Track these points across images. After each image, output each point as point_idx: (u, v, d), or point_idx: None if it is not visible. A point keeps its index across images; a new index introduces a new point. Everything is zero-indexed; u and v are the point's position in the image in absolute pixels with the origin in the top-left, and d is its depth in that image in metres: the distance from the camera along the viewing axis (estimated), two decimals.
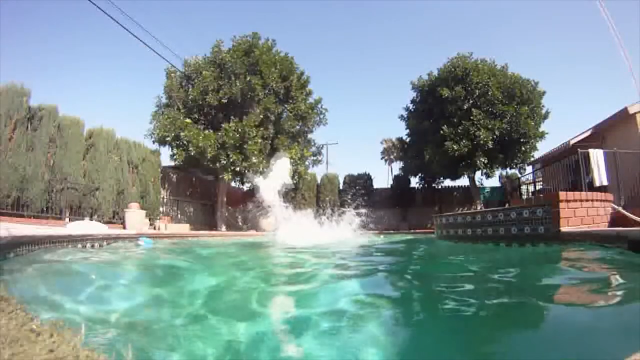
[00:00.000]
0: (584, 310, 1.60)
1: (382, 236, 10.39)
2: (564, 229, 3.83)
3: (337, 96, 73.43)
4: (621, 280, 2.07)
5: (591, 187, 7.81)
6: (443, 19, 63.36)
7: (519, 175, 16.92)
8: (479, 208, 14.88)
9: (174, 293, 2.21)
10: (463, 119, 14.03)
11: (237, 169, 12.64)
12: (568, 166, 9.09)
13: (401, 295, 2.18)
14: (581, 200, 4.21)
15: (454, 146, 13.75)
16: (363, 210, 9.89)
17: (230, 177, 12.97)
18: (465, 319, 1.64)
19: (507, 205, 5.33)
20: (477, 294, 2.13)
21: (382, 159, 44.32)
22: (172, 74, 13.93)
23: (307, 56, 72.09)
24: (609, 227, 4.58)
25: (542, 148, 14.78)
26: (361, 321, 1.58)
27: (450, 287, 2.38)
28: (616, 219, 4.81)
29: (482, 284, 2.41)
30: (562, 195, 3.97)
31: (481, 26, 61.37)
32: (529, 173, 16.01)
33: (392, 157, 40.23)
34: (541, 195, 9.58)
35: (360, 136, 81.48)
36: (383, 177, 66.21)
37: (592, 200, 4.41)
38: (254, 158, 12.67)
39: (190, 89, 13.40)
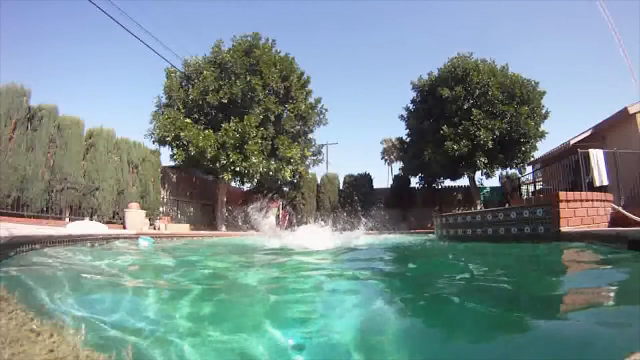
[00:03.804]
0: (583, 310, 1.60)
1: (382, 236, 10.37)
2: (564, 229, 3.84)
3: (337, 96, 73.58)
4: (621, 280, 2.07)
5: (591, 187, 7.79)
6: (444, 19, 63.40)
7: (519, 175, 16.93)
8: (479, 208, 14.87)
9: None
10: (463, 119, 14.03)
11: (237, 169, 12.64)
12: (568, 166, 9.07)
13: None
14: (581, 200, 4.21)
15: (454, 146, 13.74)
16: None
17: (230, 177, 12.96)
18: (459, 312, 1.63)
19: (507, 205, 5.33)
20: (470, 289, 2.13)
21: (382, 159, 44.51)
22: (172, 74, 13.92)
23: (307, 56, 72.22)
24: (609, 227, 4.58)
25: (542, 148, 14.80)
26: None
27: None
28: (616, 219, 4.81)
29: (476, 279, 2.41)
30: (562, 195, 3.98)
31: (481, 26, 61.40)
32: (529, 173, 16.00)
33: (392, 157, 40.35)
34: (541, 195, 9.56)
35: (360, 136, 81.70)
36: (383, 177, 66.29)
37: (592, 200, 4.42)
38: (254, 158, 12.66)
39: (190, 89, 13.39)
